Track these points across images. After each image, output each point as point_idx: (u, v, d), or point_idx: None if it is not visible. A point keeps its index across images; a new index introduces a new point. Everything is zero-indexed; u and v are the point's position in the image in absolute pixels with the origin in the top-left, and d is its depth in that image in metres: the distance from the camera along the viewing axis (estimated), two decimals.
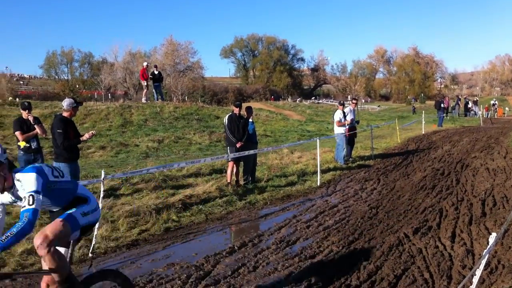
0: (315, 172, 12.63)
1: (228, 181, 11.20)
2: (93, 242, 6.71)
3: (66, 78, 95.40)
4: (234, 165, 11.28)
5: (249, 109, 12.14)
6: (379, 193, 10.70)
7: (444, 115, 35.30)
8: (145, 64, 27.21)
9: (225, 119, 11.46)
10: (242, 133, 11.40)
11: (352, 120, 15.87)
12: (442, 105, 30.50)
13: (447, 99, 42.64)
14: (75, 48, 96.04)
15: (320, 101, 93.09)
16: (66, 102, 8.51)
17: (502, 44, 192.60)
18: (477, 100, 53.49)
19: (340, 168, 14.22)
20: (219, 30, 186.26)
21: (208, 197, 10.02)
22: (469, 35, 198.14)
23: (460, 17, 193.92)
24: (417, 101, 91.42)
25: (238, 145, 11.20)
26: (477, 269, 4.34)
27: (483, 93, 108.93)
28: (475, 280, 4.37)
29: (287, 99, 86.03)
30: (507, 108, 60.06)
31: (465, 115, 47.21)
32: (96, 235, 6.77)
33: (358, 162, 15.26)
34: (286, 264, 6.04)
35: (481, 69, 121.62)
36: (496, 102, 53.42)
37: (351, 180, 12.44)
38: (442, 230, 7.46)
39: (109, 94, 66.19)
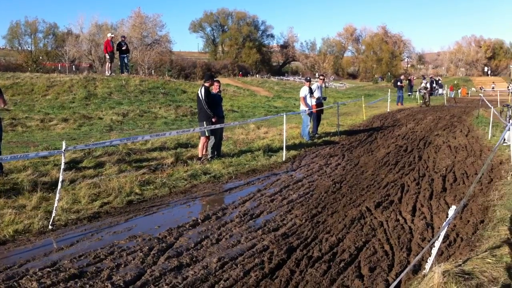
0: (280, 148, 12.63)
1: (200, 155, 11.10)
2: (53, 214, 6.56)
3: (29, 49, 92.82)
4: (207, 139, 11.19)
5: (217, 81, 12.00)
6: (343, 168, 10.78)
7: (410, 93, 35.96)
8: (109, 35, 26.62)
9: (201, 92, 11.13)
10: (216, 107, 11.33)
11: (319, 97, 15.90)
12: (398, 83, 30.92)
13: (412, 78, 43.18)
14: (39, 19, 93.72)
15: (289, 78, 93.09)
16: None
17: (469, 25, 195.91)
18: (439, 79, 54.23)
19: (306, 144, 14.27)
20: (189, 3, 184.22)
21: (172, 171, 9.93)
22: (437, 16, 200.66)
23: None
24: (383, 79, 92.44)
25: (214, 119, 11.07)
26: (436, 241, 4.41)
27: (448, 73, 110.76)
28: (434, 251, 4.44)
29: (256, 75, 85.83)
30: (473, 89, 61.14)
31: (430, 94, 47.92)
32: (56, 207, 6.62)
33: (323, 138, 15.34)
34: (249, 237, 6.03)
35: (447, 49, 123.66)
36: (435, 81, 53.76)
37: (316, 156, 12.49)
38: (403, 204, 7.57)
39: (74, 66, 64.86)
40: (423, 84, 33.52)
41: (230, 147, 13.06)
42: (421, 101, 31.55)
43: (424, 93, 31.33)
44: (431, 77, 57.06)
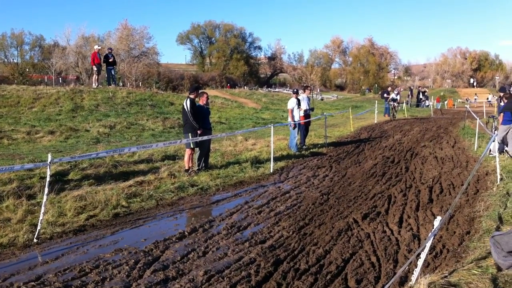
0: (268, 159, 12.63)
1: (186, 167, 11.08)
2: (39, 227, 6.50)
3: (16, 61, 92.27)
4: (192, 151, 11.18)
5: (203, 93, 12.03)
6: (330, 180, 10.80)
7: (396, 104, 35.91)
8: (96, 47, 26.58)
9: (186, 104, 11.15)
10: (201, 119, 11.35)
11: (306, 108, 15.97)
12: (385, 95, 31.00)
13: (399, 89, 43.42)
14: (25, 31, 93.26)
15: (276, 89, 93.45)
16: None
17: (455, 37, 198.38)
18: (425, 91, 54.77)
19: (294, 155, 14.29)
20: (176, 16, 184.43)
21: (159, 183, 9.89)
22: (423, 28, 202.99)
23: (415, 10, 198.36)
24: (371, 91, 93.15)
25: (199, 131, 11.07)
26: (422, 252, 4.42)
27: (434, 84, 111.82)
28: (420, 262, 4.45)
29: (243, 87, 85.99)
30: (459, 100, 61.80)
31: (417, 106, 48.39)
32: (41, 220, 6.56)
33: (311, 150, 15.37)
34: (236, 249, 6.01)
35: (433, 61, 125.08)
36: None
37: (304, 167, 12.51)
38: (390, 215, 7.60)
39: (60, 79, 64.53)
40: (392, 95, 30.17)
41: (217, 159, 13.04)
42: (392, 114, 29.22)
43: (393, 105, 29.20)
44: (418, 88, 57.67)
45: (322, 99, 73.22)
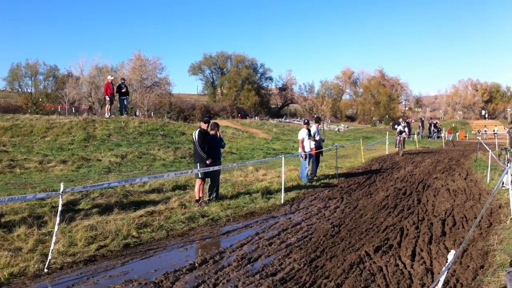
0: (279, 190, 12.60)
1: (197, 198, 11.08)
2: (49, 257, 6.50)
3: (29, 91, 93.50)
4: (202, 181, 11.21)
5: (216, 125, 12.13)
6: (342, 211, 10.73)
7: (409, 136, 35.62)
8: (109, 78, 26.91)
9: (195, 135, 11.28)
10: (213, 149, 11.43)
11: (318, 139, 15.99)
12: (396, 126, 30.67)
13: (410, 120, 43.27)
14: (40, 61, 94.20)
15: (287, 120, 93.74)
16: None
17: (466, 69, 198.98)
18: (437, 122, 54.73)
19: (305, 186, 14.24)
20: (188, 47, 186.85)
21: (170, 213, 9.88)
22: (434, 60, 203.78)
23: (425, 42, 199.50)
24: (381, 122, 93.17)
25: (208, 161, 11.11)
26: (436, 286, 4.36)
27: (446, 116, 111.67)
28: None
29: (254, 117, 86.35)
30: (472, 132, 61.57)
31: (429, 137, 48.27)
32: (52, 250, 6.56)
33: (322, 181, 15.32)
34: (247, 282, 5.95)
35: (444, 92, 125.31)
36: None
37: (315, 198, 12.45)
38: (403, 248, 7.51)
39: (73, 108, 65.22)
40: (399, 128, 26.93)
41: (228, 189, 13.02)
42: (399, 147, 26.08)
43: (400, 138, 26.10)
44: (430, 120, 57.58)
45: (339, 130, 73.13)
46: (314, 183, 14.89)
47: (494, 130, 55.88)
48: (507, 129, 30.90)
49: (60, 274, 6.32)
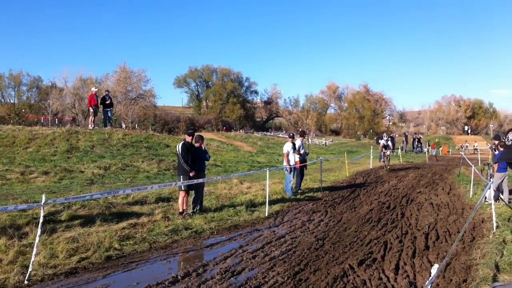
0: (263, 203, 12.57)
1: (181, 210, 11.00)
2: (30, 269, 6.39)
3: (12, 101, 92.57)
4: (186, 194, 11.15)
5: (201, 137, 12.13)
6: (326, 225, 10.72)
7: (393, 150, 35.82)
8: (93, 89, 26.75)
9: (179, 147, 11.27)
10: (197, 161, 11.41)
11: (303, 152, 16.03)
12: (380, 141, 30.62)
13: (395, 135, 43.59)
14: (24, 72, 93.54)
15: (272, 133, 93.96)
16: None
17: (449, 85, 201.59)
18: (420, 137, 55.23)
19: (289, 199, 14.23)
20: (174, 59, 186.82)
21: (153, 226, 9.79)
22: (418, 76, 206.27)
23: (409, 57, 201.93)
24: (366, 136, 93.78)
25: (191, 174, 11.07)
26: None
27: (429, 131, 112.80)
28: None
29: (239, 130, 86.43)
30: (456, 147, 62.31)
31: (412, 152, 48.68)
32: (33, 261, 6.45)
33: (306, 194, 15.32)
34: None
35: (428, 108, 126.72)
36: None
37: (299, 212, 12.43)
38: (386, 262, 7.51)
39: (56, 120, 64.72)
40: (382, 142, 25.64)
41: (212, 201, 12.96)
42: (385, 163, 25.04)
43: (384, 153, 24.94)
44: (413, 135, 58.05)
45: (326, 144, 73.12)
46: (298, 196, 14.88)
47: (474, 146, 57.01)
48: (489, 145, 31.17)
49: (40, 286, 6.22)
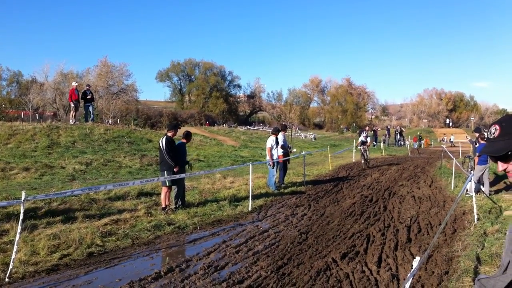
0: (246, 197, 12.57)
1: (163, 205, 10.96)
2: (10, 267, 6.31)
3: None
4: (169, 189, 11.10)
5: (189, 135, 12.17)
6: (309, 218, 10.75)
7: (375, 144, 36.11)
8: (74, 84, 26.48)
9: (162, 142, 11.18)
10: (181, 157, 11.37)
11: (285, 146, 16.03)
12: (362, 134, 30.40)
13: (377, 128, 43.85)
14: (3, 66, 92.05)
15: (255, 127, 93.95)
16: None
17: (430, 78, 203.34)
18: (402, 130, 55.63)
19: (272, 193, 14.25)
20: (156, 53, 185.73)
21: (135, 222, 9.73)
22: (400, 69, 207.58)
23: (392, 51, 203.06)
24: (349, 130, 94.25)
25: (176, 169, 11.02)
26: None
27: (411, 124, 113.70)
28: None
29: (222, 124, 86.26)
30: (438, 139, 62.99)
31: (395, 145, 49.05)
32: (14, 259, 6.37)
33: (290, 188, 15.35)
34: None
35: (410, 101, 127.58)
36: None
37: (283, 206, 12.46)
38: (369, 255, 7.55)
39: (37, 115, 63.88)
40: (361, 138, 24.45)
41: (195, 196, 12.93)
42: (362, 160, 23.43)
43: (363, 149, 23.41)
44: (396, 128, 58.43)
45: (315, 139, 72.83)
46: (281, 190, 14.90)
47: (450, 139, 58.10)
48: (469, 138, 31.50)
49: (21, 283, 6.15)
